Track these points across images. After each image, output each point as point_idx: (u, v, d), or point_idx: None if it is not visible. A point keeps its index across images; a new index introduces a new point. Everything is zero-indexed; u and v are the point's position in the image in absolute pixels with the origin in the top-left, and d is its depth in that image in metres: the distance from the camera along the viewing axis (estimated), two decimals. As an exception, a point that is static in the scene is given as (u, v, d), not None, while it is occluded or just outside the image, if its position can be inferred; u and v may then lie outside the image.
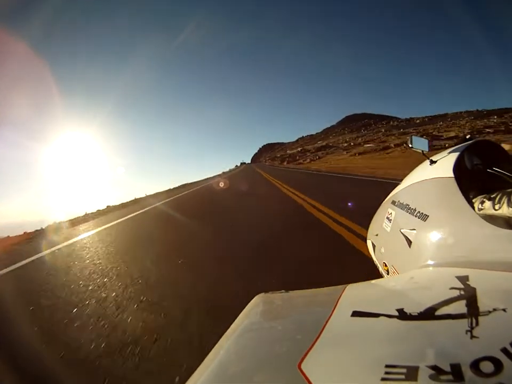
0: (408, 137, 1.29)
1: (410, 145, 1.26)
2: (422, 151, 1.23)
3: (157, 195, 14.87)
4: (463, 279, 0.53)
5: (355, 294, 0.63)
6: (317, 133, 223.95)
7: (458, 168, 0.89)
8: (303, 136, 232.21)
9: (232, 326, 0.57)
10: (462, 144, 1.02)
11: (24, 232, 7.03)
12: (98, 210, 10.21)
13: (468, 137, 1.11)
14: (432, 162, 1.05)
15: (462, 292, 0.49)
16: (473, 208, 0.74)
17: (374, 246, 1.28)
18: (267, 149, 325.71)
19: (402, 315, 0.46)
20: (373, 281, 0.73)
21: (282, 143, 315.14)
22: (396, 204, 1.12)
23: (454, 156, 0.95)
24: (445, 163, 0.96)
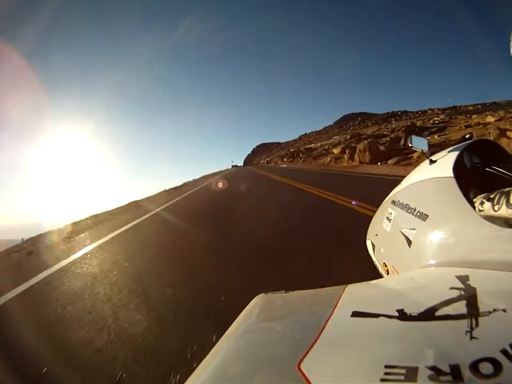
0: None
1: (410, 145, 1.24)
2: (422, 150, 1.21)
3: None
4: (463, 279, 0.53)
5: (355, 294, 0.63)
6: (322, 129, 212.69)
7: (458, 167, 0.89)
8: (306, 133, 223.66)
9: (232, 326, 0.57)
10: (461, 144, 1.02)
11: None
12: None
13: (467, 136, 1.10)
14: (432, 162, 1.05)
15: (462, 292, 0.49)
16: (474, 208, 0.74)
17: (373, 246, 1.27)
18: (262, 149, 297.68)
19: (402, 315, 0.46)
20: (373, 281, 0.72)
21: (279, 142, 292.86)
22: (396, 203, 1.12)
23: (454, 155, 0.94)
24: (445, 163, 0.95)
